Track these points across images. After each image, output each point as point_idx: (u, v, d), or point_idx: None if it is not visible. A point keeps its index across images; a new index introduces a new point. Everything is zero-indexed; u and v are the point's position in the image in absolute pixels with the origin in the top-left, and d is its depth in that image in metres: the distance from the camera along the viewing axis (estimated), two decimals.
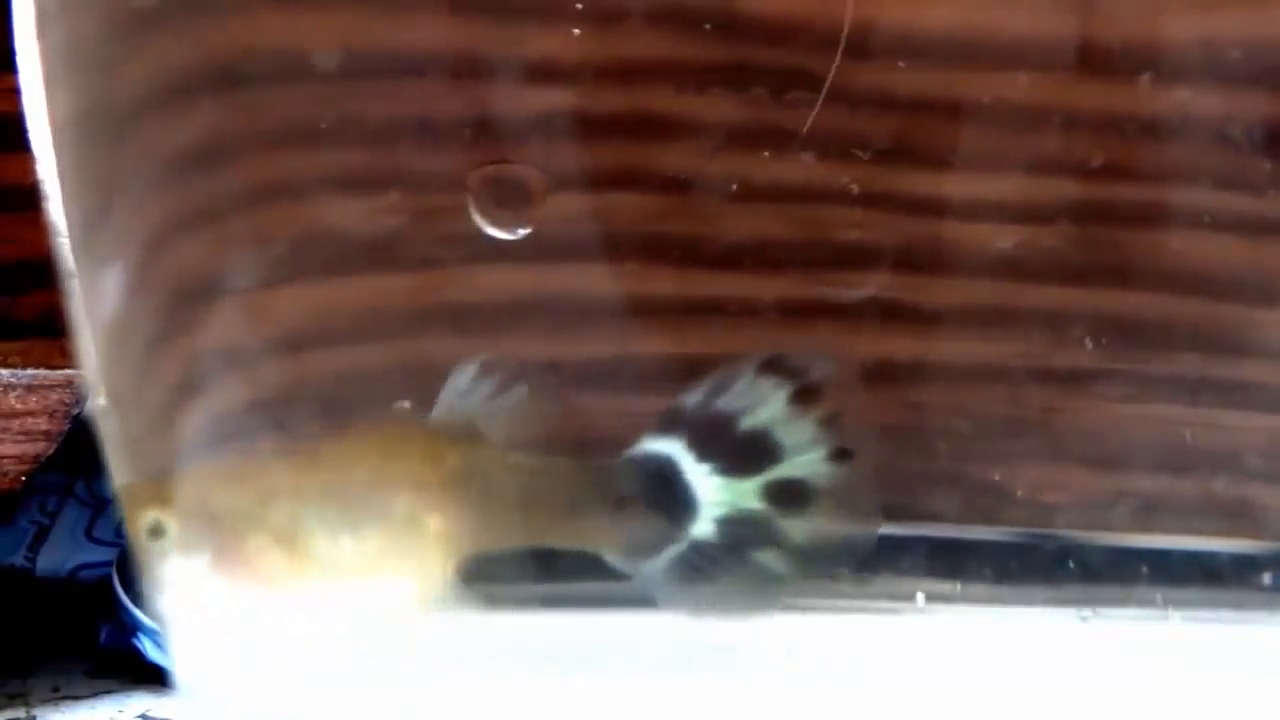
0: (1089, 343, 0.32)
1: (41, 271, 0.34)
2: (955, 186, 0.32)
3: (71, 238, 0.33)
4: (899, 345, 0.33)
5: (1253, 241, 0.32)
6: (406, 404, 0.33)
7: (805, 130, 0.31)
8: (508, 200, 0.31)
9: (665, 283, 0.32)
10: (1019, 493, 0.33)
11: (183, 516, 0.32)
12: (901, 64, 0.30)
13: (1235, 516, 0.33)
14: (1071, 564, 0.33)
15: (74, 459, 0.54)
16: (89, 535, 0.64)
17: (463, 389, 0.32)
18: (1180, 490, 0.33)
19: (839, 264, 0.32)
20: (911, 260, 0.32)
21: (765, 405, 0.32)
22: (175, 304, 0.34)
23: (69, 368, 0.50)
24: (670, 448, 0.32)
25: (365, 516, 0.32)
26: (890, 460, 0.33)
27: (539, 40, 0.31)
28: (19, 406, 0.51)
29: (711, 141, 0.31)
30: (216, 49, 0.32)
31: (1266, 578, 0.33)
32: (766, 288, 0.32)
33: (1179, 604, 0.33)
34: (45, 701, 0.53)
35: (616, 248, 0.32)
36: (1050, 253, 0.32)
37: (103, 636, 0.58)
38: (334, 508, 0.32)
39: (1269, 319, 0.33)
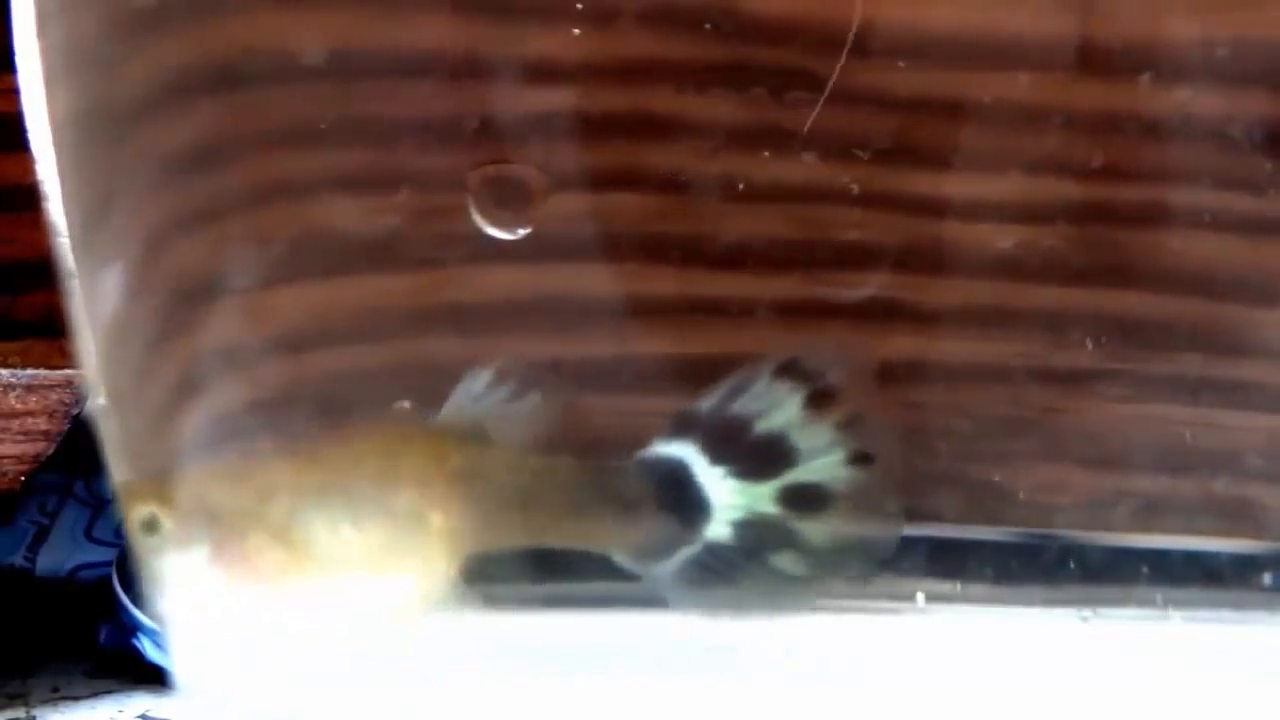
0: (1089, 343, 0.32)
1: (41, 271, 0.34)
2: (955, 186, 0.32)
3: (71, 238, 0.33)
4: (899, 345, 0.33)
5: (1253, 241, 0.32)
6: (406, 404, 0.33)
7: (805, 130, 0.31)
8: (508, 200, 0.31)
9: (665, 283, 0.32)
10: (1019, 493, 0.33)
11: (181, 512, 0.32)
12: (901, 64, 0.30)
13: (1235, 516, 0.33)
14: (1072, 564, 0.33)
15: (74, 459, 0.54)
16: (89, 535, 0.64)
17: (475, 393, 0.32)
18: (1180, 490, 0.33)
19: (839, 264, 0.32)
20: (911, 260, 0.32)
21: (781, 408, 0.31)
22: (175, 304, 0.34)
23: (69, 368, 0.50)
24: (683, 450, 0.32)
25: (367, 513, 0.32)
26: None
27: (539, 40, 0.31)
28: (19, 406, 0.51)
29: (711, 141, 0.31)
30: (216, 49, 0.32)
31: (1267, 578, 0.33)
32: (766, 288, 0.32)
33: (1179, 604, 0.33)
34: (45, 701, 0.53)
35: (616, 248, 0.32)
36: (1050, 253, 0.32)
37: (102, 637, 0.58)
38: (336, 504, 0.32)
39: (1269, 319, 0.33)
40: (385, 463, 0.32)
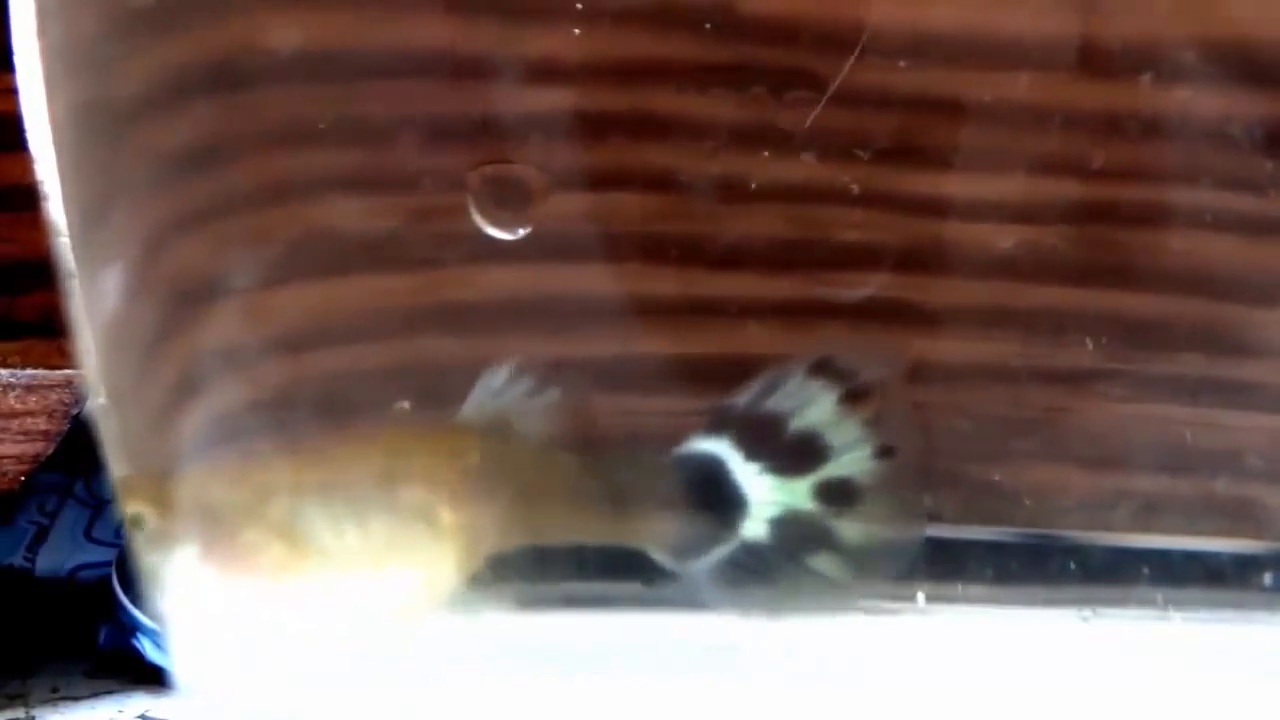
0: (1089, 343, 0.32)
1: (41, 271, 0.34)
2: (956, 186, 0.32)
3: (71, 238, 0.33)
4: (899, 345, 0.33)
5: (1254, 241, 0.32)
6: (406, 404, 0.33)
7: (805, 130, 0.31)
8: (508, 200, 0.31)
9: (665, 283, 0.32)
10: (1019, 493, 0.33)
11: (168, 509, 0.32)
12: (902, 64, 0.30)
13: (1236, 517, 0.33)
14: (1072, 564, 0.33)
15: (74, 459, 0.54)
16: (88, 535, 0.64)
17: (495, 389, 0.32)
18: (1181, 490, 0.33)
19: (839, 264, 0.32)
20: (912, 260, 0.32)
21: (815, 406, 0.32)
22: (175, 304, 0.34)
23: (68, 368, 0.50)
24: (718, 447, 0.32)
25: (373, 510, 0.32)
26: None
27: (539, 40, 0.31)
28: (18, 406, 0.51)
29: (711, 141, 0.31)
30: (216, 49, 0.32)
31: (1267, 578, 0.33)
32: (766, 288, 0.32)
33: (1179, 604, 0.33)
34: (45, 702, 0.53)
35: (616, 248, 0.32)
36: (1051, 253, 0.32)
37: (102, 637, 0.58)
38: (341, 501, 0.32)
39: (1270, 319, 0.33)
40: (394, 459, 0.32)
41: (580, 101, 0.31)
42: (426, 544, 0.31)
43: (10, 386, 0.50)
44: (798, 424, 0.32)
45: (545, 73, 0.31)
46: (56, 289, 0.34)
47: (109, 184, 0.34)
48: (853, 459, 0.32)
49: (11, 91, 0.33)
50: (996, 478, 0.33)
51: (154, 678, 0.54)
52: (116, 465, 0.34)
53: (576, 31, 0.30)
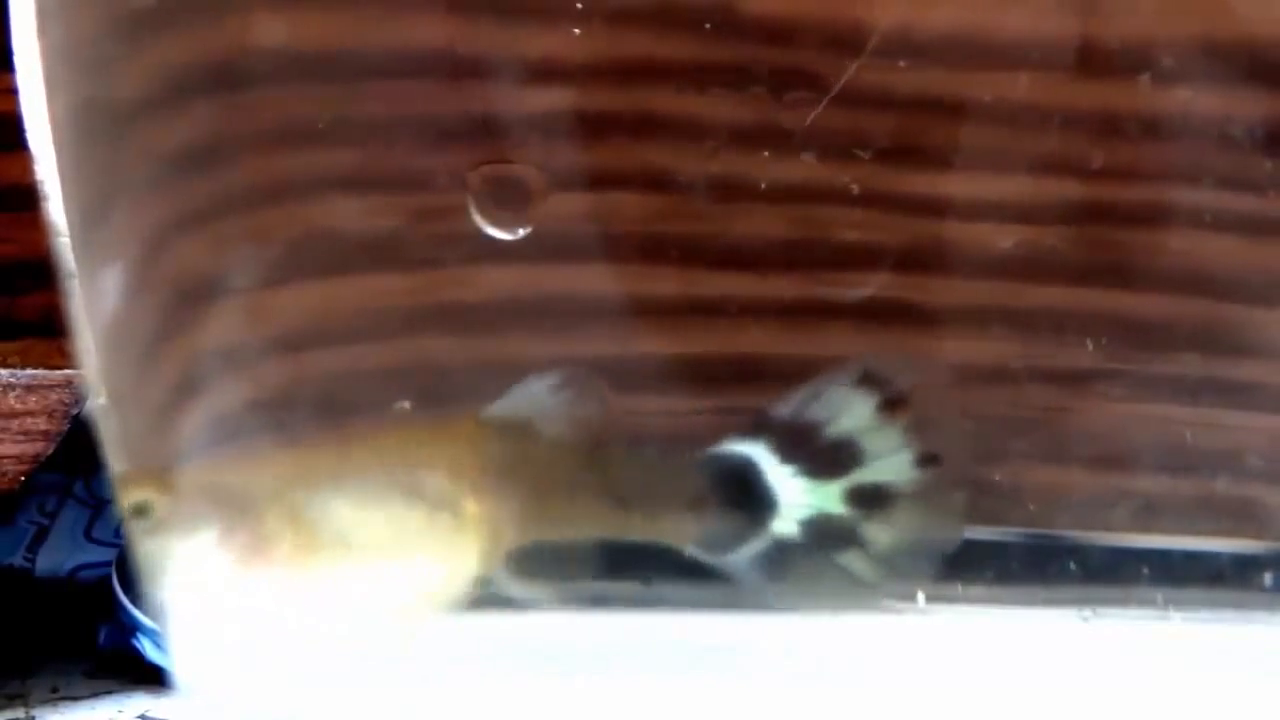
0: (1089, 343, 0.32)
1: (41, 271, 0.34)
2: (956, 186, 0.32)
3: (71, 238, 0.33)
4: (899, 345, 0.33)
5: (1254, 241, 0.32)
6: (406, 404, 0.33)
7: (805, 130, 0.31)
8: (508, 200, 0.31)
9: (665, 283, 0.32)
10: (1019, 493, 0.33)
11: (178, 497, 0.32)
12: (902, 64, 0.30)
13: (1236, 517, 0.33)
14: (1072, 564, 0.33)
15: (74, 459, 0.54)
16: (88, 536, 0.63)
17: (534, 393, 0.32)
18: (1181, 490, 0.33)
19: (839, 264, 0.32)
20: (912, 260, 0.32)
21: (852, 413, 0.32)
22: (175, 304, 0.34)
23: (69, 368, 0.50)
24: (753, 449, 0.32)
25: (398, 500, 0.31)
26: None
27: (539, 40, 0.31)
28: (18, 406, 0.51)
29: (711, 141, 0.31)
30: (216, 49, 0.32)
31: (1267, 578, 0.33)
32: (766, 288, 0.32)
33: (1179, 604, 0.33)
34: (44, 702, 0.53)
35: (617, 248, 0.32)
36: (1051, 253, 0.32)
37: (102, 637, 0.58)
38: (365, 491, 0.31)
39: (1270, 319, 0.33)
40: (417, 450, 0.32)
41: (580, 101, 0.31)
42: (448, 535, 0.31)
43: (10, 386, 0.50)
44: (834, 430, 0.32)
45: (545, 73, 0.31)
46: (56, 289, 0.34)
47: (109, 184, 0.34)
48: (891, 465, 0.32)
49: (11, 91, 0.33)
50: (996, 478, 0.33)
51: (154, 678, 0.54)
52: (117, 465, 0.34)
53: (576, 31, 0.30)
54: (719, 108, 0.31)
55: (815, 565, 0.32)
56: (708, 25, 0.30)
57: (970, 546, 0.33)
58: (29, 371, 0.50)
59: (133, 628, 0.56)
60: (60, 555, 0.63)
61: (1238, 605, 0.33)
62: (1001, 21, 0.31)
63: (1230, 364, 0.33)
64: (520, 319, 0.33)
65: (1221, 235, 0.32)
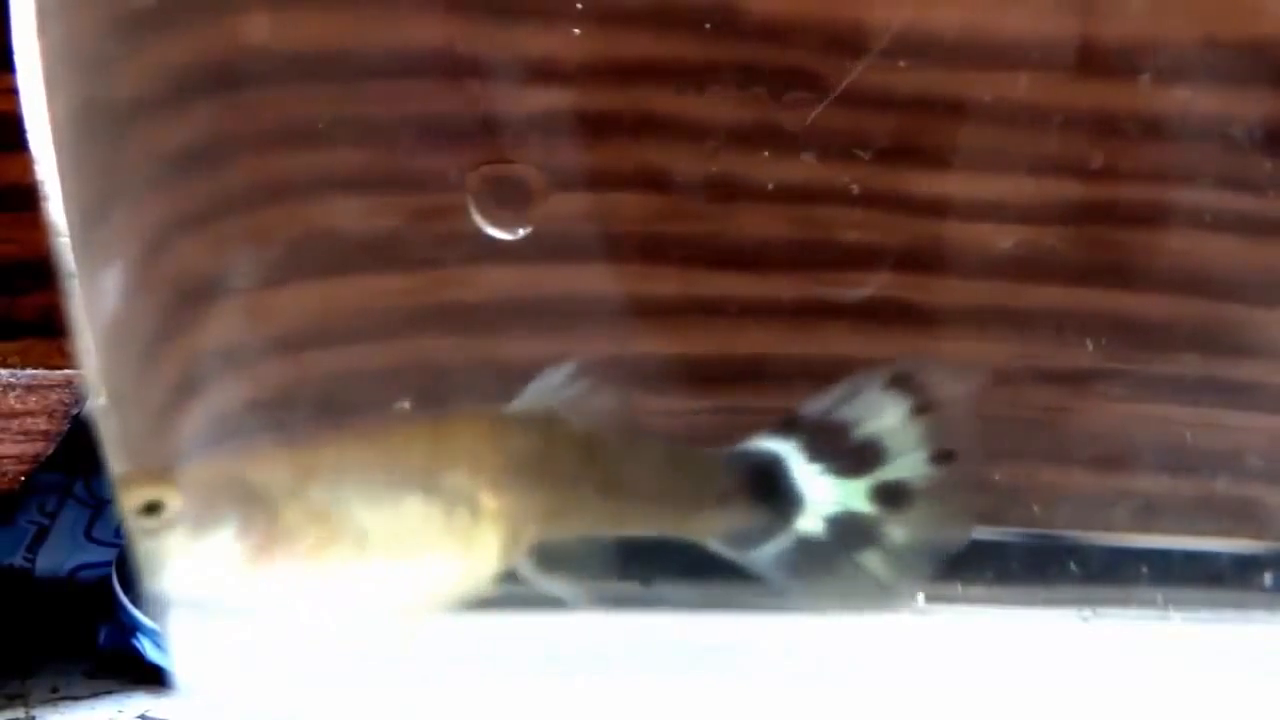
0: (1089, 343, 0.32)
1: (41, 271, 0.34)
2: (956, 186, 0.32)
3: (71, 238, 0.33)
4: (899, 345, 0.33)
5: (1253, 241, 0.32)
6: (406, 404, 0.33)
7: (805, 130, 0.31)
8: (508, 200, 0.31)
9: (665, 283, 0.32)
10: (1019, 493, 0.33)
11: (193, 494, 0.32)
12: (902, 64, 0.30)
13: (1236, 517, 0.33)
14: (1072, 564, 0.33)
15: (74, 459, 0.54)
16: (88, 535, 0.63)
17: (553, 385, 0.32)
18: (1181, 490, 0.33)
19: (839, 264, 0.32)
20: (912, 260, 0.32)
21: (882, 413, 0.32)
22: (175, 304, 0.34)
23: (69, 368, 0.50)
24: (780, 447, 0.32)
25: (418, 494, 0.31)
26: None
27: (539, 40, 0.31)
28: (18, 406, 0.51)
29: (711, 141, 0.31)
30: (216, 49, 0.32)
31: (1267, 578, 0.33)
32: (766, 288, 0.32)
33: (1179, 604, 0.33)
34: (44, 702, 0.53)
35: (617, 248, 0.32)
36: (1051, 253, 0.32)
37: (102, 637, 0.58)
38: (385, 485, 0.31)
39: (1270, 319, 0.33)
40: (435, 445, 0.32)
41: (580, 101, 0.31)
42: (467, 530, 0.31)
43: (10, 386, 0.50)
44: (863, 430, 0.32)
45: (545, 73, 0.31)
46: (56, 289, 0.34)
47: (109, 184, 0.34)
48: (909, 462, 0.32)
49: (11, 91, 0.33)
50: (996, 478, 0.33)
51: (154, 678, 0.54)
52: (117, 465, 0.34)
53: (576, 31, 0.30)
54: (719, 108, 0.31)
55: (835, 564, 0.32)
56: (708, 25, 0.30)
57: (970, 546, 0.33)
58: (29, 371, 0.50)
59: (133, 628, 0.56)
60: (60, 555, 0.63)
61: (1238, 605, 0.33)
62: (1001, 21, 0.31)
63: (1230, 364, 0.33)
64: (520, 319, 0.33)
65: (1221, 235, 0.32)
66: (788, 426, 0.32)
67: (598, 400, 0.32)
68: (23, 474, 0.52)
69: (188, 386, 0.34)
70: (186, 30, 0.32)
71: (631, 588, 0.33)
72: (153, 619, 0.53)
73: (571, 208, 0.32)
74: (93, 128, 0.33)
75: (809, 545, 0.32)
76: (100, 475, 0.35)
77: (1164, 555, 0.33)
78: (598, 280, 0.32)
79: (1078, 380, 0.33)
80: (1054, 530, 0.33)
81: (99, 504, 0.64)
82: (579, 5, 0.30)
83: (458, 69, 0.31)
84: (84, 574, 0.62)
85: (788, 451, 0.32)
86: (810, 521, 0.32)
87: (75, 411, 0.51)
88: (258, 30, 0.32)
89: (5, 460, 0.52)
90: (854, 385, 0.32)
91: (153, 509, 0.32)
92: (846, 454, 0.32)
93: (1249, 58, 0.31)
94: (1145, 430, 0.33)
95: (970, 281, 0.32)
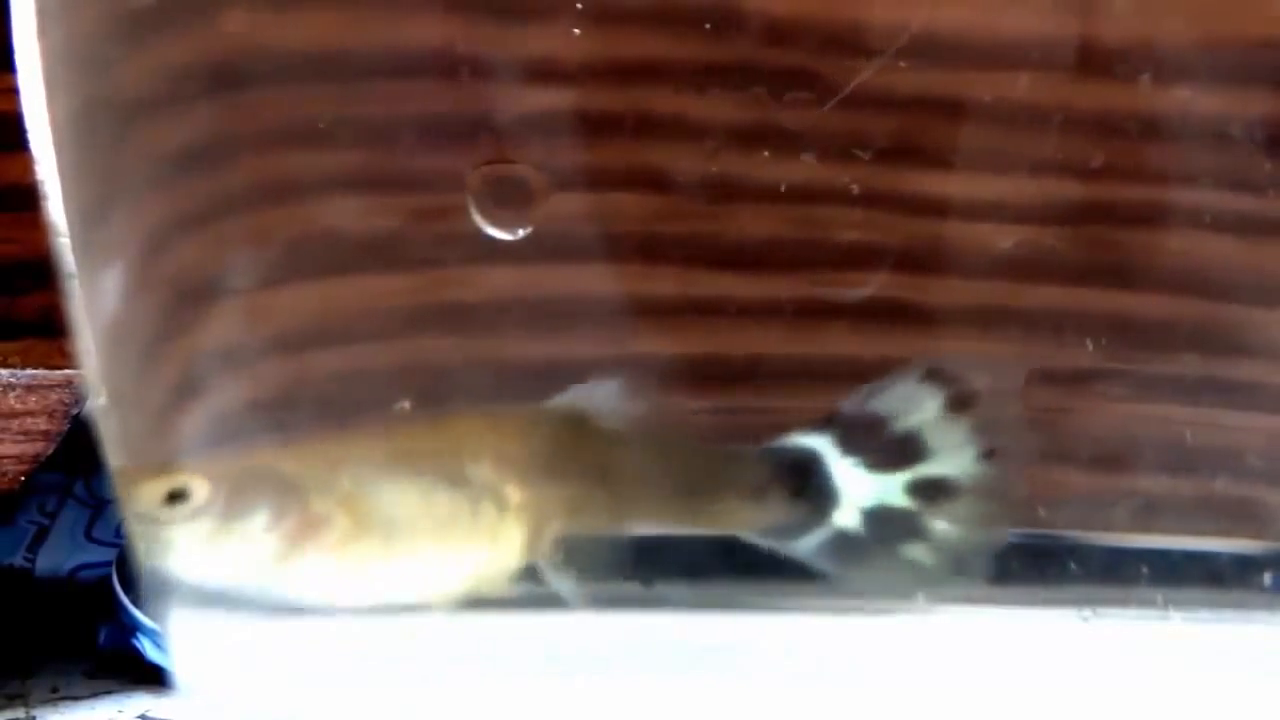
0: (1089, 343, 0.32)
1: (41, 271, 0.34)
2: (956, 186, 0.32)
3: (71, 238, 0.33)
4: (899, 345, 0.33)
5: (1253, 241, 0.32)
6: (406, 404, 0.33)
7: (806, 130, 0.31)
8: (508, 200, 0.31)
9: (665, 283, 0.32)
10: (1019, 492, 0.33)
11: (222, 483, 0.31)
12: (902, 64, 0.30)
13: (1236, 516, 0.33)
14: (1071, 564, 0.33)
15: (74, 459, 0.54)
16: (88, 535, 0.64)
17: (590, 386, 0.32)
18: (1181, 490, 0.33)
19: (839, 264, 0.32)
20: (912, 260, 0.32)
21: (920, 409, 0.32)
22: (175, 304, 0.34)
23: (69, 368, 0.50)
24: (816, 442, 0.32)
25: (444, 487, 0.31)
26: None
27: (539, 40, 0.31)
28: (19, 406, 0.51)
29: (711, 141, 0.31)
30: (216, 49, 0.32)
31: (1267, 578, 0.33)
32: (766, 288, 0.32)
33: (1179, 604, 0.33)
34: (45, 702, 0.53)
35: (617, 248, 0.32)
36: (1051, 253, 0.32)
37: (102, 637, 0.58)
38: (412, 477, 0.31)
39: (1270, 319, 0.33)
40: (462, 438, 0.32)
41: (580, 101, 0.31)
42: (493, 522, 0.31)
43: (10, 386, 0.50)
44: (901, 425, 0.32)
45: (545, 73, 0.31)
46: (56, 289, 0.34)
47: (109, 184, 0.34)
48: (955, 460, 0.32)
49: (12, 91, 0.33)
50: None
51: (154, 678, 0.55)
52: (118, 464, 0.34)
53: (576, 31, 0.30)
54: (719, 108, 0.31)
55: (881, 555, 0.33)
56: (708, 25, 0.30)
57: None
58: (29, 371, 0.51)
59: (133, 628, 0.56)
60: (60, 555, 0.63)
61: (1238, 605, 0.33)
62: (1001, 21, 0.31)
63: (1230, 364, 0.33)
64: (520, 319, 0.33)
65: (1221, 236, 0.32)
66: (824, 421, 0.32)
67: (631, 396, 0.32)
68: (23, 474, 0.52)
69: (188, 386, 0.34)
70: (186, 30, 0.32)
71: (632, 588, 0.33)
72: (153, 619, 0.53)
73: (571, 208, 0.32)
74: (93, 128, 0.33)
75: (847, 537, 0.33)
76: (100, 475, 0.35)
77: (1164, 555, 0.33)
78: (598, 280, 0.32)
79: (1077, 380, 0.33)
80: (1054, 530, 0.33)
81: (99, 504, 0.64)
82: (579, 5, 0.30)
83: (458, 69, 0.31)
84: (84, 574, 0.62)
85: (823, 446, 0.32)
86: (847, 515, 0.33)
87: (75, 411, 0.51)
88: (258, 30, 0.32)
89: (5, 460, 0.52)
90: (889, 380, 0.32)
91: (176, 499, 0.32)
92: (883, 448, 0.32)
93: (1249, 58, 0.31)
94: (1145, 430, 0.33)
95: (970, 281, 0.32)
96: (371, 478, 0.31)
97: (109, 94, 0.33)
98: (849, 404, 0.32)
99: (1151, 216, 0.32)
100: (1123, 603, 0.33)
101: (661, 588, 0.33)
